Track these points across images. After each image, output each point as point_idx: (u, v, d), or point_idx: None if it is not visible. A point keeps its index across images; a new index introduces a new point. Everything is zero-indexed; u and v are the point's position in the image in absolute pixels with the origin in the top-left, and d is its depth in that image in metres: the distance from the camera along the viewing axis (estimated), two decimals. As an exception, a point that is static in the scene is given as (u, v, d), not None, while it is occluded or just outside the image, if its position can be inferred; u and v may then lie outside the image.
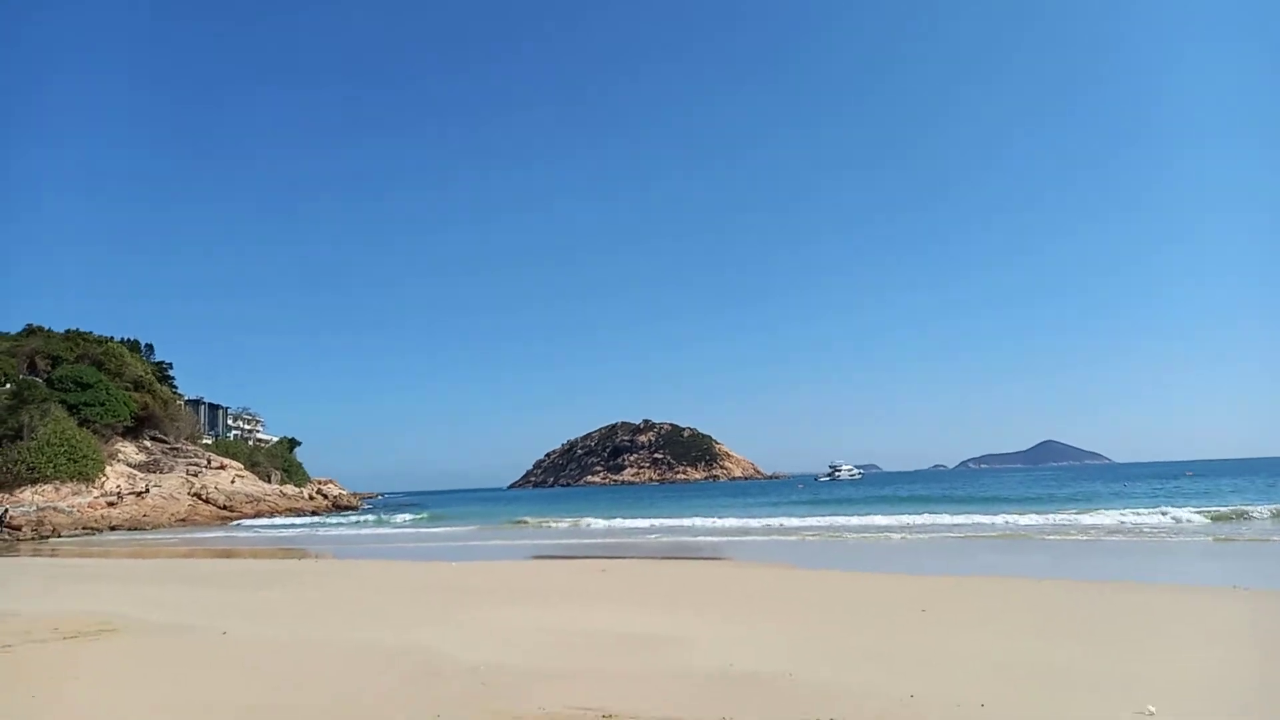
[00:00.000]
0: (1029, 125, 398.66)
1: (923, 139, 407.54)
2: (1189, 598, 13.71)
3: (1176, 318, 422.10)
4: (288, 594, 16.86)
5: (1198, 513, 31.20)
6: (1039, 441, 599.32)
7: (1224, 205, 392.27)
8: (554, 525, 43.72)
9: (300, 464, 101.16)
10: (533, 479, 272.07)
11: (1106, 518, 32.00)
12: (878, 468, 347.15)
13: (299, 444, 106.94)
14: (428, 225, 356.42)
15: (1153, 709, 6.62)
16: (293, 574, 21.53)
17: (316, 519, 63.29)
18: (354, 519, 63.12)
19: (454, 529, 45.30)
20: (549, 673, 8.79)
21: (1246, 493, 46.23)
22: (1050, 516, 33.71)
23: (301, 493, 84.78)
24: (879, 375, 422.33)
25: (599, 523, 43.46)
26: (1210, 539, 24.35)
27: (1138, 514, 32.45)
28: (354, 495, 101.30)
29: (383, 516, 62.56)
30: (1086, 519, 32.16)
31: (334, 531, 47.23)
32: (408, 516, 60.08)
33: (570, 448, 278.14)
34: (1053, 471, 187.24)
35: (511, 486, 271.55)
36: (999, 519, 33.56)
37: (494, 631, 11.56)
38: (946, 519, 34.49)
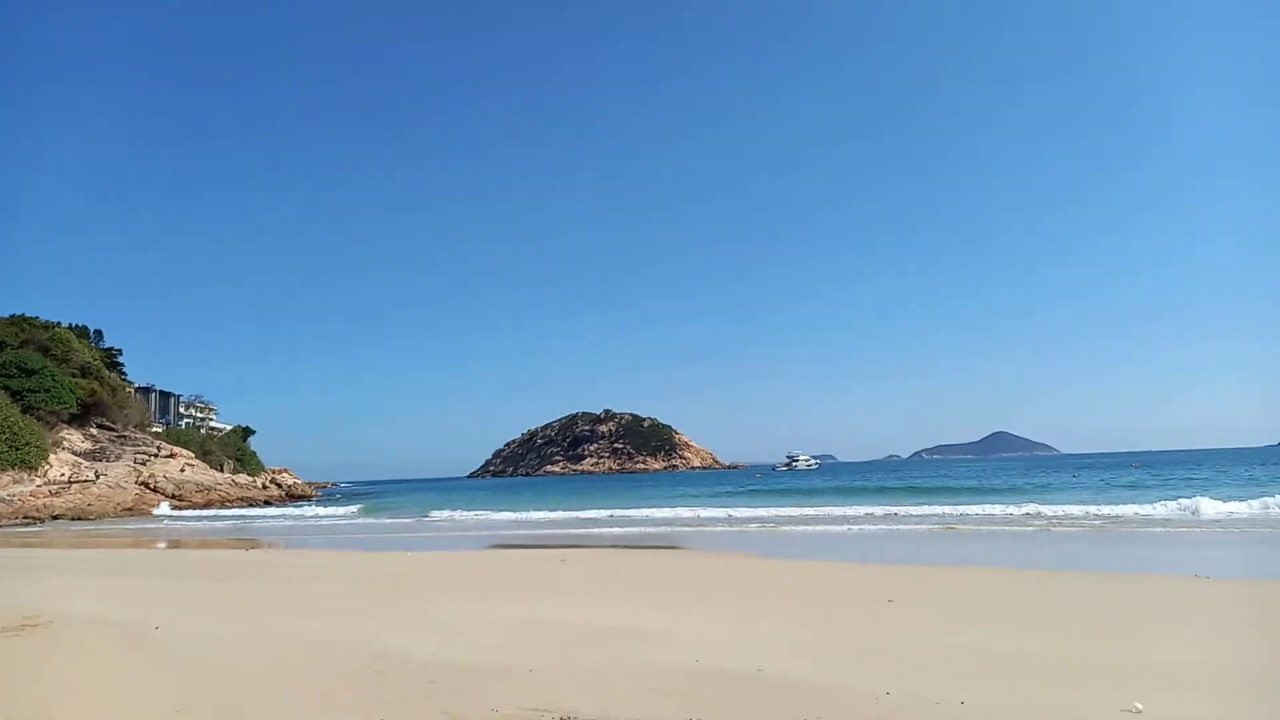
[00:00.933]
0: (982, 118, 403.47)
1: (878, 128, 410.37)
2: (1164, 587, 13.62)
3: (1121, 311, 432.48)
4: (228, 585, 16.07)
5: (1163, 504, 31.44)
6: (990, 433, 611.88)
7: (1167, 201, 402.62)
8: (462, 516, 42.93)
9: (254, 453, 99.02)
10: (491, 468, 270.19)
11: (1072, 508, 32.09)
12: (834, 458, 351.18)
13: (253, 433, 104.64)
14: (384, 214, 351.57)
15: (1140, 706, 6.31)
16: (237, 564, 20.74)
17: (272, 510, 61.77)
18: (294, 509, 61.63)
19: (390, 521, 44.34)
20: (503, 669, 8.28)
21: (1210, 484, 46.88)
22: (1010, 508, 33.87)
23: (254, 482, 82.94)
24: (835, 366, 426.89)
25: (553, 514, 42.56)
26: (1196, 530, 24.59)
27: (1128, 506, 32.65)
28: (309, 485, 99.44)
29: (312, 507, 61.45)
30: (1050, 509, 32.33)
31: (270, 522, 46.12)
32: (349, 509, 56.47)
33: (530, 437, 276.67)
34: (1004, 462, 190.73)
35: (471, 476, 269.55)
36: (959, 509, 33.67)
37: (444, 625, 11.01)
38: (909, 509, 34.48)
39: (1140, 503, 32.66)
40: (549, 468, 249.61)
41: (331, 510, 55.86)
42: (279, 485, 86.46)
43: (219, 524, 44.76)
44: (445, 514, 44.67)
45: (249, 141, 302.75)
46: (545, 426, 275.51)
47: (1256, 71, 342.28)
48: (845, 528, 28.63)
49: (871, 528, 28.19)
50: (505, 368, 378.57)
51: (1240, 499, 30.50)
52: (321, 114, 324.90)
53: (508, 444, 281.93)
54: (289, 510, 60.49)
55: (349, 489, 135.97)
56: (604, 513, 41.25)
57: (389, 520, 44.45)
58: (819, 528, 29.16)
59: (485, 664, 8.54)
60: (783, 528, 29.72)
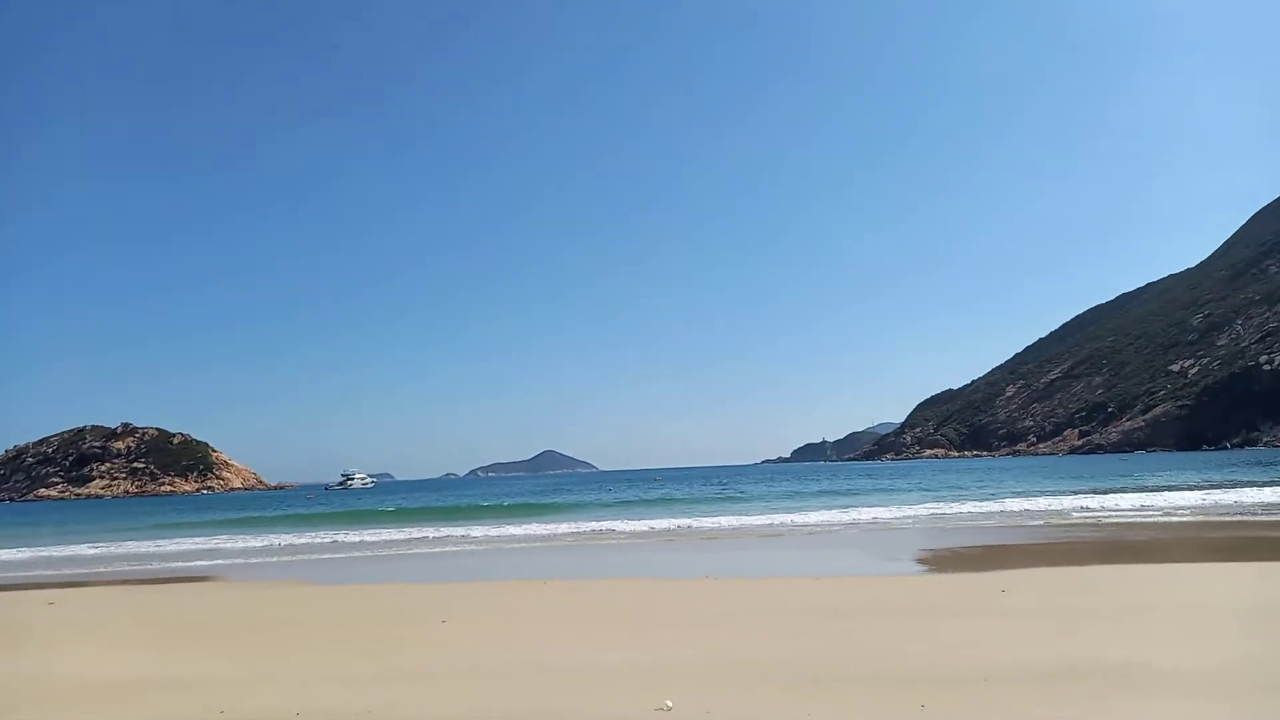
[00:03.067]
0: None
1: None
2: (669, 589, 15.28)
3: (639, 330, 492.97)
4: None
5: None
6: (540, 451, 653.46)
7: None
8: None
9: None
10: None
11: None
12: (391, 476, 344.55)
13: None
14: None
15: (670, 703, 6.83)
16: None
17: None
18: None
19: None
20: None
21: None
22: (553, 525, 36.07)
23: None
24: (393, 385, 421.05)
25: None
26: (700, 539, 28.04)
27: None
28: None
29: None
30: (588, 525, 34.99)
31: None
32: None
33: (17, 455, 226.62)
34: (556, 478, 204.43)
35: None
36: (522, 529, 34.89)
37: None
38: (460, 530, 34.72)
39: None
40: (43, 491, 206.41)
41: None
42: None
43: None
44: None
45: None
46: (40, 442, 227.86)
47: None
48: (399, 552, 27.91)
49: (412, 549, 27.86)
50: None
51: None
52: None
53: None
54: None
55: None
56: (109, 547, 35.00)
57: None
58: (372, 551, 28.04)
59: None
60: (332, 550, 28.02)
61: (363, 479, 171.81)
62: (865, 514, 33.58)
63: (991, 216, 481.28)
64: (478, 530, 33.81)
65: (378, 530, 36.19)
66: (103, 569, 24.99)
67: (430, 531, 34.21)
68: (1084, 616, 10.31)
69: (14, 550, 32.70)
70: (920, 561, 19.48)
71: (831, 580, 15.48)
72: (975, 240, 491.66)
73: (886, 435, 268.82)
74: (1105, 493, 38.87)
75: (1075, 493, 41.02)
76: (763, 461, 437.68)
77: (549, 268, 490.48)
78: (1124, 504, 31.91)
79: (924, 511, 33.51)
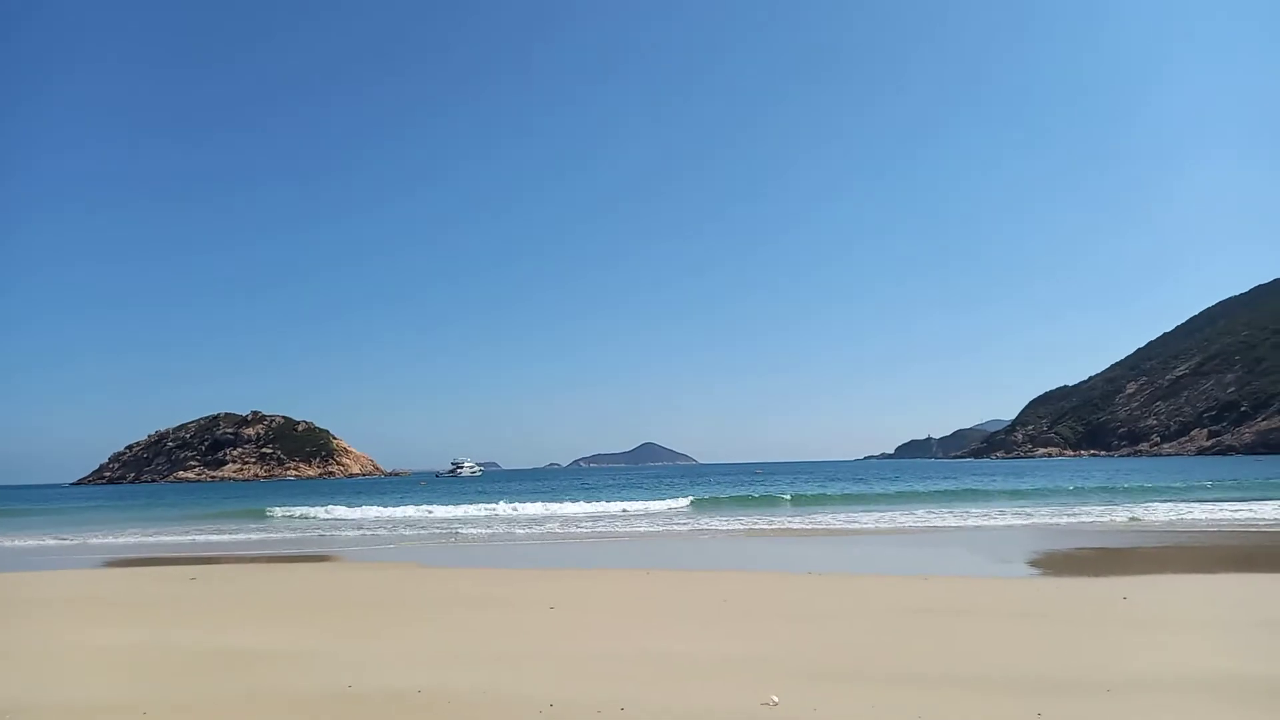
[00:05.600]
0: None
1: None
2: (770, 583, 15.19)
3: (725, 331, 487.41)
4: None
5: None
6: (641, 443, 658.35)
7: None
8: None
9: None
10: (108, 474, 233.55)
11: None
12: (497, 465, 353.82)
13: None
14: None
15: (776, 699, 6.87)
16: None
17: None
18: None
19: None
20: (109, 707, 6.99)
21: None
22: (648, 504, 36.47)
23: None
24: (500, 378, 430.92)
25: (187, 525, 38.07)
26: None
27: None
28: None
29: None
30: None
31: None
32: None
33: (159, 439, 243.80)
34: (655, 470, 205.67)
35: (78, 483, 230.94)
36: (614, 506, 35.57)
37: (30, 659, 9.12)
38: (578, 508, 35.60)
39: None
40: (182, 474, 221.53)
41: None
42: None
43: None
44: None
45: None
46: (179, 428, 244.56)
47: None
48: (510, 533, 28.70)
49: (539, 531, 28.53)
50: (131, 366, 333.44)
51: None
52: None
53: (129, 447, 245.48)
54: None
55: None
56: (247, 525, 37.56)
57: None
58: (487, 532, 28.94)
59: (77, 702, 7.15)
60: (451, 534, 29.06)
61: (471, 467, 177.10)
62: (974, 513, 32.55)
63: (1122, 210, 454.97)
64: (586, 525, 34.49)
65: (486, 508, 37.46)
66: (239, 550, 26.69)
67: (540, 509, 35.18)
68: (1214, 627, 9.77)
69: (163, 527, 35.43)
70: (1034, 564, 18.76)
71: (939, 579, 15.08)
72: (1099, 236, 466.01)
73: (996, 433, 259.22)
74: (1242, 500, 36.33)
75: (1206, 496, 38.56)
76: (865, 457, 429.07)
77: (650, 259, 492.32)
78: (1267, 512, 29.61)
79: (1040, 511, 32.17)
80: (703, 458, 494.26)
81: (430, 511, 37.65)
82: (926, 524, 28.98)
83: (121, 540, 30.55)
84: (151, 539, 30.73)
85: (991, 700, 6.84)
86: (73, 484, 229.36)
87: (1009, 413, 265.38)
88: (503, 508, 38.37)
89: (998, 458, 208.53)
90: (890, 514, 33.39)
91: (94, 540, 30.34)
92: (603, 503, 41.34)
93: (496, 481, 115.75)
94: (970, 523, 29.03)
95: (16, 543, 30.25)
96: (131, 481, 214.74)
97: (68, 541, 30.32)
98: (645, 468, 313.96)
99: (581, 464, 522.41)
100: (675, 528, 30.10)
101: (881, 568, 18.52)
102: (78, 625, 11.50)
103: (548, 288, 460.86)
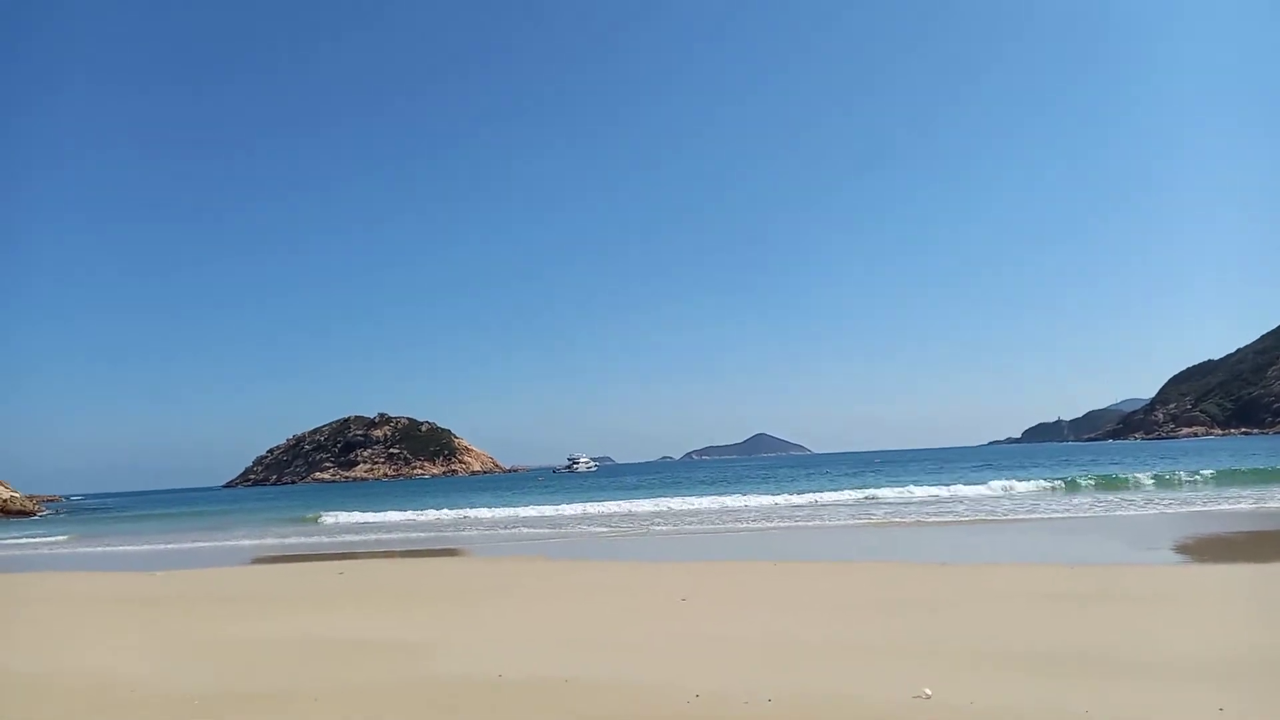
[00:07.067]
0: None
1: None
2: (933, 574, 14.78)
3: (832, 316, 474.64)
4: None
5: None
6: (752, 435, 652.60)
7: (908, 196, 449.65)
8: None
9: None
10: (252, 477, 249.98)
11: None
12: (611, 460, 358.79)
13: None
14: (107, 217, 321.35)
15: (929, 691, 6.70)
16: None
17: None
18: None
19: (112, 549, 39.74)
20: (252, 694, 7.49)
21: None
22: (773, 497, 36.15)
23: (-48, 497, 71.16)
24: (612, 369, 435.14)
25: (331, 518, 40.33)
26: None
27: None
28: (30, 499, 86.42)
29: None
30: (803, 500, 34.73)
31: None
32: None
33: (297, 443, 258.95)
34: (768, 461, 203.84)
35: (228, 485, 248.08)
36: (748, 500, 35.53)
37: (188, 649, 9.85)
38: (702, 502, 35.79)
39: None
40: (318, 475, 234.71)
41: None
42: (-13, 500, 74.72)
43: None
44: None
45: None
46: (314, 431, 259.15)
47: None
48: (641, 526, 29.04)
49: (662, 526, 28.76)
50: (268, 374, 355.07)
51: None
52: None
53: (271, 451, 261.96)
54: None
55: (81, 502, 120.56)
56: (386, 516, 39.56)
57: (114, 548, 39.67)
58: (612, 529, 29.40)
59: (228, 689, 7.67)
60: (573, 528, 29.69)
61: (586, 462, 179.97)
62: (1113, 498, 30.81)
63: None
64: (709, 519, 34.55)
65: (609, 504, 38.02)
66: (378, 546, 28.04)
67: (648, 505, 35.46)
68: None
69: (307, 526, 37.69)
70: (1181, 550, 17.60)
71: (1081, 568, 14.34)
72: (1242, 190, 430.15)
73: (1133, 413, 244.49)
74: None
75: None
76: (990, 443, 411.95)
77: (757, 246, 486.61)
78: None
79: (1187, 498, 30.17)
80: (817, 447, 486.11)
81: (559, 510, 38.54)
82: (1064, 508, 27.62)
83: (266, 541, 32.61)
84: (293, 540, 32.68)
85: (1159, 690, 6.46)
86: (223, 486, 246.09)
87: (1146, 391, 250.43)
88: (625, 504, 38.87)
89: (1137, 439, 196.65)
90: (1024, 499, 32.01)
91: (245, 543, 32.46)
92: (720, 496, 41.22)
93: (613, 475, 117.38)
94: (1094, 499, 27.51)
95: (175, 545, 32.71)
96: (274, 484, 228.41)
97: (225, 544, 32.60)
98: (758, 459, 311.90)
99: (693, 456, 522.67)
100: (797, 520, 29.75)
101: (1019, 555, 17.77)
102: (225, 618, 12.32)
103: (657, 278, 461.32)
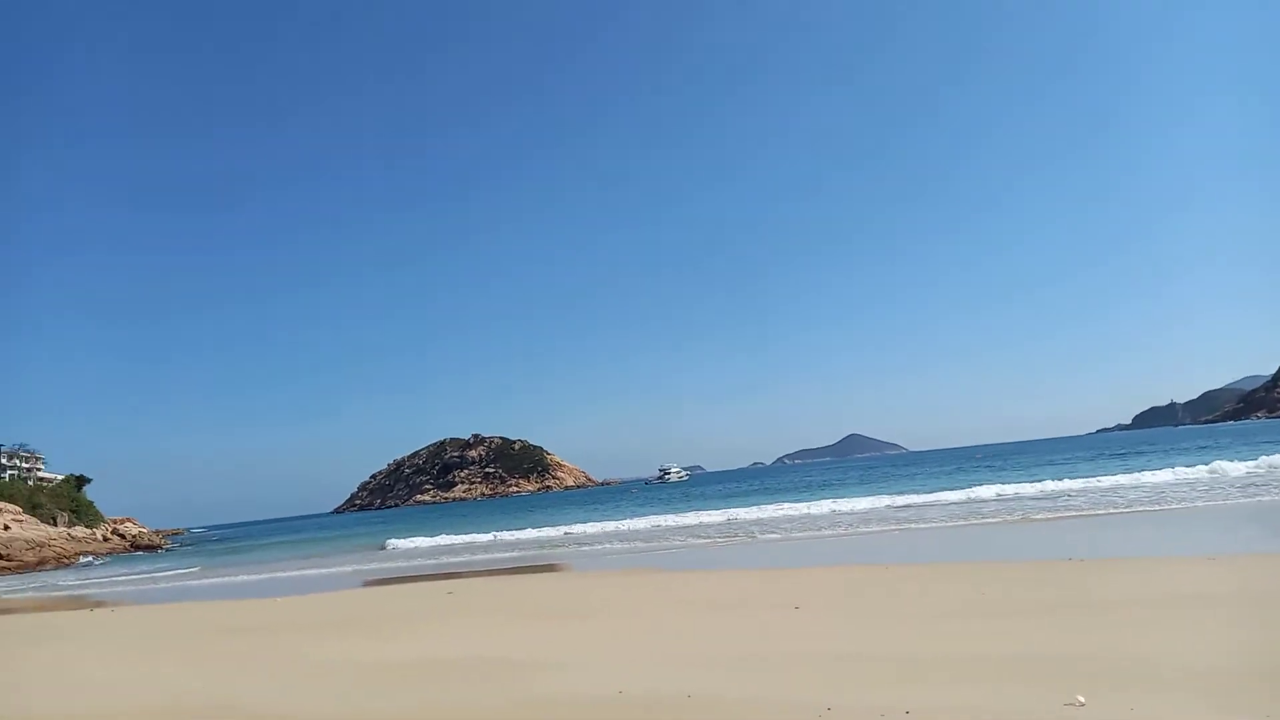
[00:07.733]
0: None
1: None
2: (1115, 573, 14.01)
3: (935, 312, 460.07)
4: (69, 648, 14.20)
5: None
6: (845, 435, 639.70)
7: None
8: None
9: (91, 503, 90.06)
10: (358, 502, 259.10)
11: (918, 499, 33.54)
12: (702, 468, 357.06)
13: (89, 481, 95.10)
14: (217, 248, 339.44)
15: (1083, 700, 6.23)
16: (76, 626, 18.46)
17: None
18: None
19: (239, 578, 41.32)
20: (375, 718, 7.54)
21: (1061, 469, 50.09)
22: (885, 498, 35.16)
23: (94, 534, 75.98)
24: (697, 379, 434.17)
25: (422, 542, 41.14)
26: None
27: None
28: (157, 533, 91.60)
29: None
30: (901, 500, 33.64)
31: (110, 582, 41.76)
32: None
33: (397, 467, 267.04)
34: (864, 461, 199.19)
35: (336, 511, 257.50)
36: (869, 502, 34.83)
37: (309, 673, 10.02)
38: (801, 509, 35.16)
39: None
40: (419, 497, 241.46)
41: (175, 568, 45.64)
42: (122, 536, 79.56)
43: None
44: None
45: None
46: (413, 455, 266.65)
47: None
48: (749, 534, 28.65)
49: (766, 535, 28.30)
50: (368, 402, 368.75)
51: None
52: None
53: (374, 476, 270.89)
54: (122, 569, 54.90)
55: (202, 535, 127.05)
56: (484, 536, 40.19)
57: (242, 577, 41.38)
58: (722, 539, 29.08)
59: (355, 714, 7.73)
60: (679, 539, 29.49)
61: (678, 472, 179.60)
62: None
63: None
64: (812, 524, 33.85)
65: (702, 513, 37.62)
66: (482, 566, 28.45)
67: (756, 513, 34.89)
68: None
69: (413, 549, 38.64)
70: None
71: (1227, 559, 13.31)
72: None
73: (1254, 391, 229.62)
74: None
75: None
76: (1098, 431, 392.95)
77: (840, 248, 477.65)
78: None
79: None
80: (913, 445, 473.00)
81: (658, 521, 38.39)
82: (1204, 498, 25.91)
83: (374, 565, 33.49)
84: (401, 562, 33.47)
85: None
86: (331, 512, 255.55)
87: (1267, 367, 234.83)
88: (723, 513, 38.39)
89: (1258, 418, 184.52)
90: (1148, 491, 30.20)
91: (366, 567, 33.39)
92: (825, 501, 40.33)
93: (706, 484, 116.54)
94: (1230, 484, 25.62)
95: (293, 572, 33.94)
96: (378, 508, 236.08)
97: (338, 569, 33.64)
98: (852, 460, 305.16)
99: (785, 461, 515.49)
100: (897, 523, 28.82)
101: (1155, 550, 16.70)
102: (344, 640, 12.53)
103: (743, 282, 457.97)
